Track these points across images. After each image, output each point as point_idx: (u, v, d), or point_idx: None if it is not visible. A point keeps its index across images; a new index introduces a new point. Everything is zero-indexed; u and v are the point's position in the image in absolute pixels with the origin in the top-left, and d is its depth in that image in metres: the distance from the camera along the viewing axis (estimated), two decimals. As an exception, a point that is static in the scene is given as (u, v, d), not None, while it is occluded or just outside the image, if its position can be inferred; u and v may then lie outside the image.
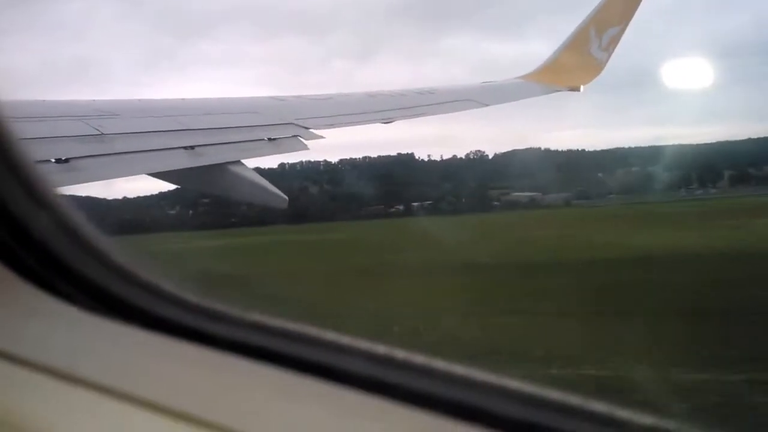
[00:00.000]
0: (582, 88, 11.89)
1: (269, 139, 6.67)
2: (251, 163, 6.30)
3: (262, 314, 1.35)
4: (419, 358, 1.25)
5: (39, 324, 1.41)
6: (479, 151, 52.51)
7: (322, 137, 7.22)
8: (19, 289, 1.46)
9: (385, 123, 8.47)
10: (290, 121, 7.10)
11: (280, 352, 1.26)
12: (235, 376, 1.26)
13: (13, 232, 1.49)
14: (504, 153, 52.97)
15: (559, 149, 53.81)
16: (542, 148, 52.87)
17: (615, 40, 12.68)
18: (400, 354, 1.26)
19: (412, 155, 52.93)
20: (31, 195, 1.53)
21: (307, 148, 7.04)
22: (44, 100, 5.62)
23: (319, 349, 1.26)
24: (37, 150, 4.59)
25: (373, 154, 54.31)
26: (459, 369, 1.22)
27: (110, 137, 5.16)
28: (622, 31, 12.88)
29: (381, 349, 1.26)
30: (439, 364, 1.23)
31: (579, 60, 12.21)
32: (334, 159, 53.08)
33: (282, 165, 51.01)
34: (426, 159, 53.20)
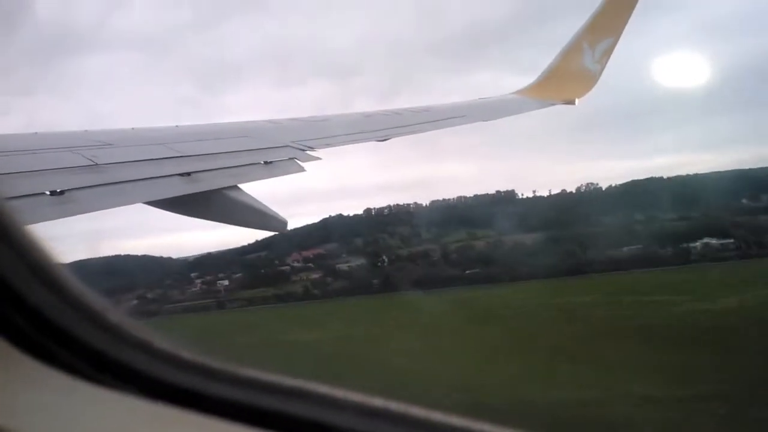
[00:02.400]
0: (577, 101, 11.92)
1: (265, 162, 6.65)
2: (248, 187, 6.29)
3: (259, 371, 1.33)
4: (415, 410, 1.23)
5: (34, 395, 1.38)
6: (590, 183, 48.79)
7: (318, 158, 7.20)
8: (13, 358, 1.43)
9: (380, 141, 8.46)
10: (286, 143, 7.09)
11: (278, 411, 1.24)
12: None
13: (6, 299, 1.46)
14: (622, 184, 48.58)
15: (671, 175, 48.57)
16: (664, 177, 48.18)
17: (608, 52, 12.72)
18: (395, 407, 1.23)
19: (513, 192, 49.73)
20: (24, 261, 1.50)
21: (304, 170, 7.02)
22: (36, 133, 5.60)
23: (315, 406, 1.24)
24: (31, 183, 4.56)
25: (464, 194, 51.85)
26: (455, 420, 1.21)
27: (105, 167, 5.13)
28: (615, 42, 12.93)
29: (377, 402, 1.24)
30: (437, 416, 1.21)
31: (573, 73, 12.24)
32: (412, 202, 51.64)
33: (368, 210, 51.03)
34: (531, 195, 49.68)
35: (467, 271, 42.67)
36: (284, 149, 6.91)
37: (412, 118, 9.04)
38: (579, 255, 40.73)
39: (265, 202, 6.12)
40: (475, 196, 52.05)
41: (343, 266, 46.67)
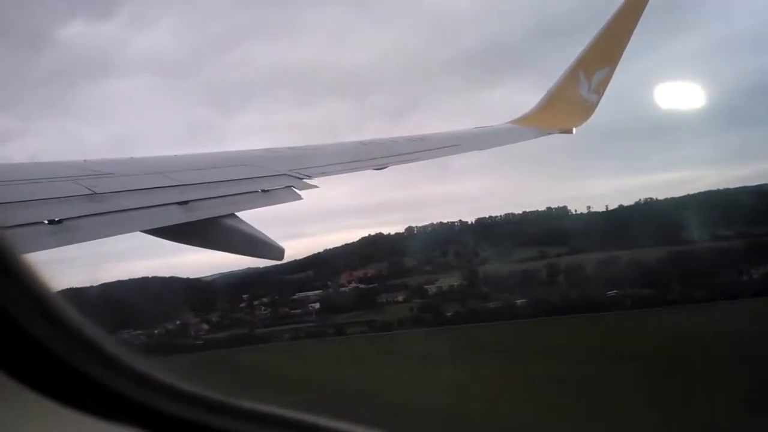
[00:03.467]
0: (574, 130, 12.02)
1: (262, 190, 6.72)
2: (245, 215, 6.35)
3: (260, 403, 1.35)
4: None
5: (31, 428, 1.39)
6: (649, 198, 47.13)
7: (315, 186, 7.28)
8: (10, 390, 1.43)
9: (377, 169, 8.55)
10: (283, 171, 7.17)
11: None
12: None
13: (4, 331, 1.48)
14: (679, 198, 46.61)
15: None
16: (720, 189, 46.29)
17: (605, 82, 12.86)
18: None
19: (565, 208, 48.35)
20: (23, 292, 1.53)
21: (301, 198, 7.09)
22: (36, 162, 5.68)
23: None
24: (29, 212, 4.62)
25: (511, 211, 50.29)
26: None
27: (103, 196, 5.20)
28: (611, 72, 13.07)
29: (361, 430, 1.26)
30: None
31: (569, 103, 12.36)
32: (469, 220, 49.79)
33: (410, 228, 49.99)
34: (584, 211, 47.84)
35: (609, 293, 38.33)
36: (281, 178, 6.99)
37: (408, 147, 9.14)
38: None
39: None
40: (524, 212, 50.67)
41: (432, 287, 44.06)
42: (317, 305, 43.31)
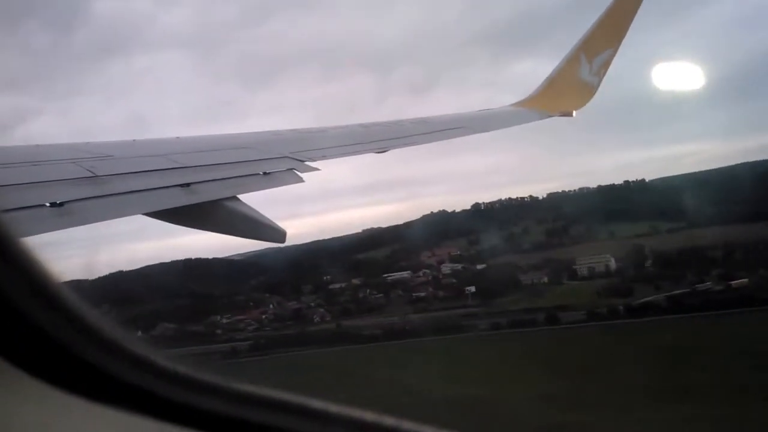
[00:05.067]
0: (575, 113, 11.97)
1: (264, 173, 6.69)
2: (247, 198, 6.32)
3: (254, 386, 1.34)
4: (407, 425, 1.24)
5: (31, 412, 1.38)
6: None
7: (317, 169, 7.24)
8: (10, 375, 1.43)
9: (378, 152, 8.51)
10: (285, 154, 7.13)
11: (275, 426, 1.26)
12: None
13: (3, 316, 1.46)
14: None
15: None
16: None
17: (606, 65, 12.78)
18: (389, 420, 1.25)
19: (643, 181, 47.01)
20: (22, 277, 1.51)
21: (303, 181, 7.06)
22: (37, 145, 5.63)
23: (311, 421, 1.26)
24: (31, 194, 4.59)
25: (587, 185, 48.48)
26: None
27: (104, 179, 5.16)
28: (613, 54, 12.99)
29: (369, 416, 1.25)
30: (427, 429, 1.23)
31: (570, 85, 12.30)
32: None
33: (476, 205, 47.58)
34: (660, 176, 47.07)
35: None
36: (283, 160, 6.95)
37: (411, 130, 9.09)
38: None
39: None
40: (599, 187, 48.96)
41: (582, 266, 40.71)
42: (473, 288, 40.71)
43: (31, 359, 1.45)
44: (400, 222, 50.18)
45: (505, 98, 12.29)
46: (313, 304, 42.70)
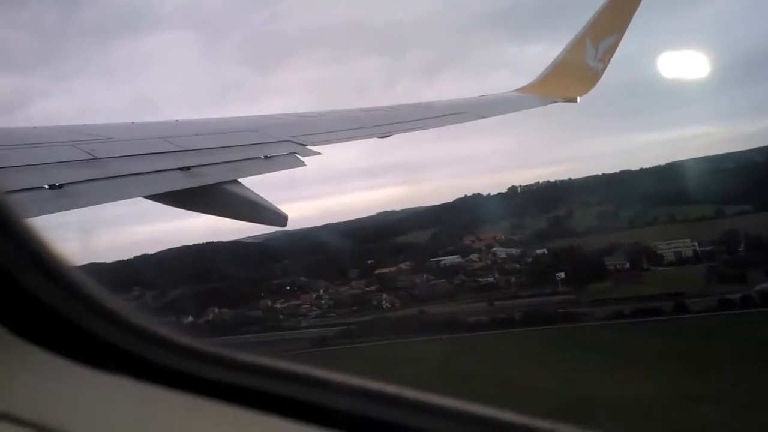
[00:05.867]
0: (579, 99, 11.89)
1: (265, 157, 6.65)
2: (248, 181, 6.28)
3: (255, 356, 1.34)
4: (411, 393, 1.23)
5: (30, 378, 1.39)
6: None
7: (318, 153, 7.20)
8: (10, 342, 1.43)
9: (381, 137, 8.46)
10: (286, 138, 7.08)
11: (274, 393, 1.26)
12: (228, 426, 1.25)
13: (4, 286, 1.47)
14: None
15: None
16: None
17: (611, 50, 12.68)
18: (391, 389, 1.24)
19: (686, 160, 44.47)
20: (22, 249, 1.51)
21: (304, 165, 7.02)
22: (35, 127, 5.60)
23: (312, 389, 1.26)
24: (30, 176, 4.56)
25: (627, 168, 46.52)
26: (453, 403, 1.22)
27: (104, 161, 5.13)
28: (618, 40, 12.88)
29: (373, 386, 1.25)
30: (434, 398, 1.21)
31: (575, 71, 12.20)
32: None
33: (513, 188, 45.43)
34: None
35: None
36: (284, 144, 6.91)
37: (413, 114, 9.04)
38: None
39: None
40: (642, 169, 46.32)
41: (666, 250, 37.90)
42: (561, 275, 37.95)
43: (33, 329, 1.47)
44: (422, 205, 48.13)
45: (519, 81, 12.16)
46: (368, 289, 41.10)
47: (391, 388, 1.26)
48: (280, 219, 6.14)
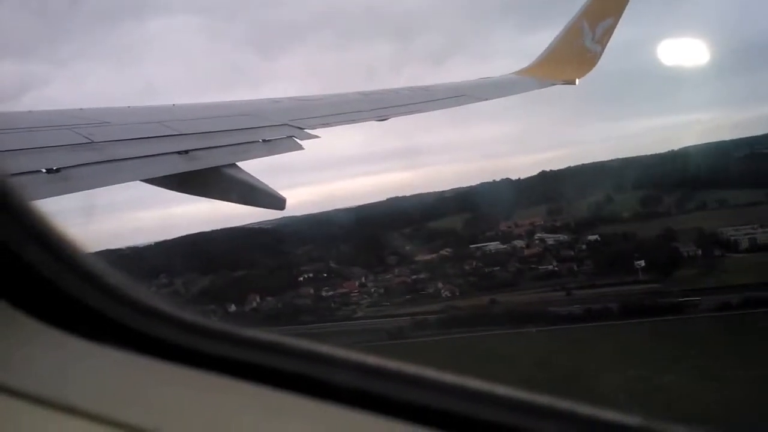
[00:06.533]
0: (577, 81, 11.85)
1: (263, 140, 6.62)
2: (247, 165, 6.25)
3: (256, 331, 1.34)
4: (411, 368, 1.22)
5: (28, 349, 1.38)
6: None
7: (317, 137, 7.17)
8: (7, 314, 1.43)
9: (379, 120, 8.43)
10: (284, 122, 7.05)
11: (273, 368, 1.25)
12: (228, 398, 1.25)
13: (7, 265, 1.47)
14: None
15: None
16: None
17: (609, 32, 12.63)
18: (392, 365, 1.22)
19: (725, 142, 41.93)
20: (19, 223, 1.51)
21: (302, 148, 6.99)
22: (31, 111, 5.56)
23: (312, 363, 1.24)
24: (26, 160, 4.53)
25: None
26: (451, 378, 1.20)
27: (101, 145, 5.10)
28: (616, 22, 12.83)
29: (372, 360, 1.23)
30: (431, 373, 1.20)
31: (573, 53, 12.16)
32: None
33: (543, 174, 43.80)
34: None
35: None
36: (282, 128, 6.88)
37: (412, 98, 9.00)
38: None
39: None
40: (672, 151, 43.55)
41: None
42: (642, 263, 35.02)
43: (27, 298, 1.47)
44: (433, 190, 46.45)
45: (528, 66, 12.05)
46: (416, 277, 38.40)
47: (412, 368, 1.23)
48: (278, 202, 6.13)
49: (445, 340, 31.69)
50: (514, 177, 46.72)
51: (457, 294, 36.70)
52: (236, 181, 5.84)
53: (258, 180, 6.06)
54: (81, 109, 5.83)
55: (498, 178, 46.32)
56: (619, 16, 12.92)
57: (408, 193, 47.54)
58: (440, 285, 37.31)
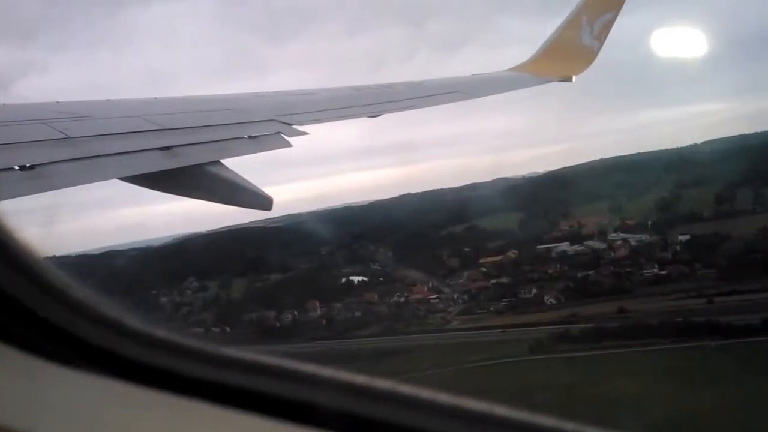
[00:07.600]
0: (574, 78, 11.68)
1: (249, 136, 6.43)
2: (231, 162, 6.07)
3: (234, 350, 1.29)
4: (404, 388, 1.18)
5: (4, 379, 1.32)
6: None
7: (305, 133, 6.99)
8: None
9: (371, 117, 8.27)
10: (271, 117, 6.87)
11: (252, 390, 1.21)
12: (201, 424, 1.20)
13: None
14: None
15: None
16: None
17: (607, 27, 12.45)
18: (384, 384, 1.20)
19: None
20: None
21: (290, 145, 6.81)
22: (5, 104, 5.36)
23: (294, 384, 1.20)
24: (-2, 157, 4.35)
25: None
26: (446, 398, 1.17)
27: (78, 140, 4.91)
28: (615, 17, 12.66)
29: (360, 379, 1.20)
30: (426, 393, 1.16)
31: (570, 49, 11.98)
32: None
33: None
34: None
35: None
36: (269, 123, 6.70)
37: (404, 93, 8.84)
38: None
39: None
40: (700, 143, 41.55)
41: None
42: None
43: (9, 330, 1.39)
44: (434, 188, 44.73)
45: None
46: (495, 281, 35.07)
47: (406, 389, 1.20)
48: (265, 202, 5.94)
49: (607, 355, 27.74)
50: (541, 170, 44.59)
51: (563, 300, 33.41)
52: (220, 179, 5.66)
53: (243, 178, 5.87)
54: (58, 102, 5.64)
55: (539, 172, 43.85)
56: (619, 11, 12.76)
57: (418, 190, 45.17)
58: (535, 291, 34.11)
